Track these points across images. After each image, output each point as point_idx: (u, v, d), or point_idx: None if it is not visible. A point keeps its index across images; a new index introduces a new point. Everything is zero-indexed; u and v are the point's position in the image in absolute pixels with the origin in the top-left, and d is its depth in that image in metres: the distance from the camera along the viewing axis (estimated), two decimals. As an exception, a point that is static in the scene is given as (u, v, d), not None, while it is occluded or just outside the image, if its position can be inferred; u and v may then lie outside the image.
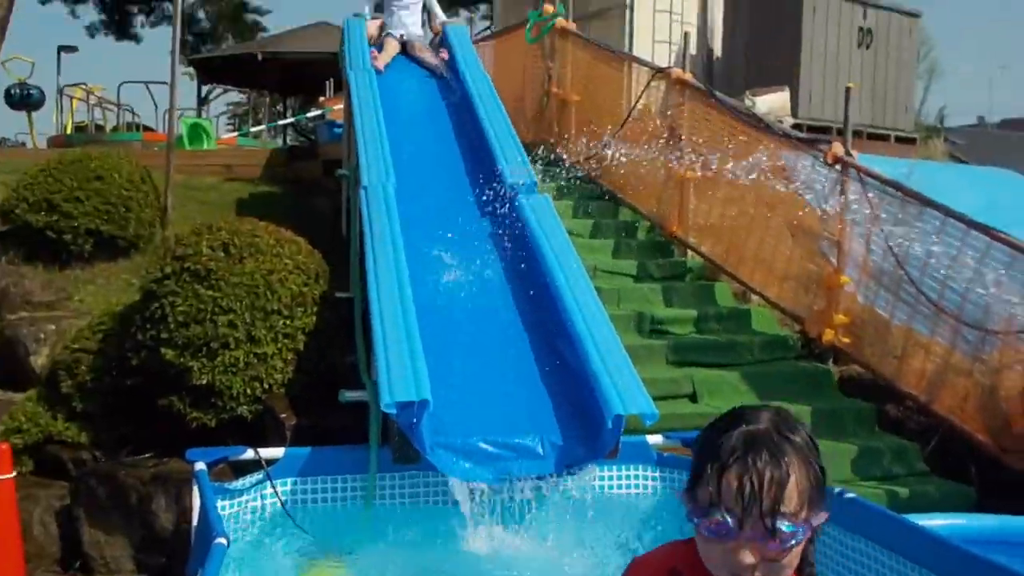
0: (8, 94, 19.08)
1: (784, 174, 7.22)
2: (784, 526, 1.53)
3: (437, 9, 9.20)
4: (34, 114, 19.72)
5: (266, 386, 5.74)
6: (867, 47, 13.37)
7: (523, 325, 5.54)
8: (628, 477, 5.07)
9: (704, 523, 1.57)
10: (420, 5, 8.95)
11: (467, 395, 4.94)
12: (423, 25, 9.04)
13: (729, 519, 1.53)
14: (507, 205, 6.40)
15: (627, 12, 13.56)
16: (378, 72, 8.17)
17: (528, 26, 10.55)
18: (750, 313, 7.51)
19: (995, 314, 5.82)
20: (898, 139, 13.34)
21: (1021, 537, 4.35)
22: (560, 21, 10.19)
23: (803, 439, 1.60)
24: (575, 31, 10.25)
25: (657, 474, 5.07)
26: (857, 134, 10.32)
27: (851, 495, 4.05)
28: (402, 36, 8.70)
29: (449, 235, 6.28)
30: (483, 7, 28.90)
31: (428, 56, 8.58)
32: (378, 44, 8.76)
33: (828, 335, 6.81)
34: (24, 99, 19.10)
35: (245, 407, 5.72)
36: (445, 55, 8.47)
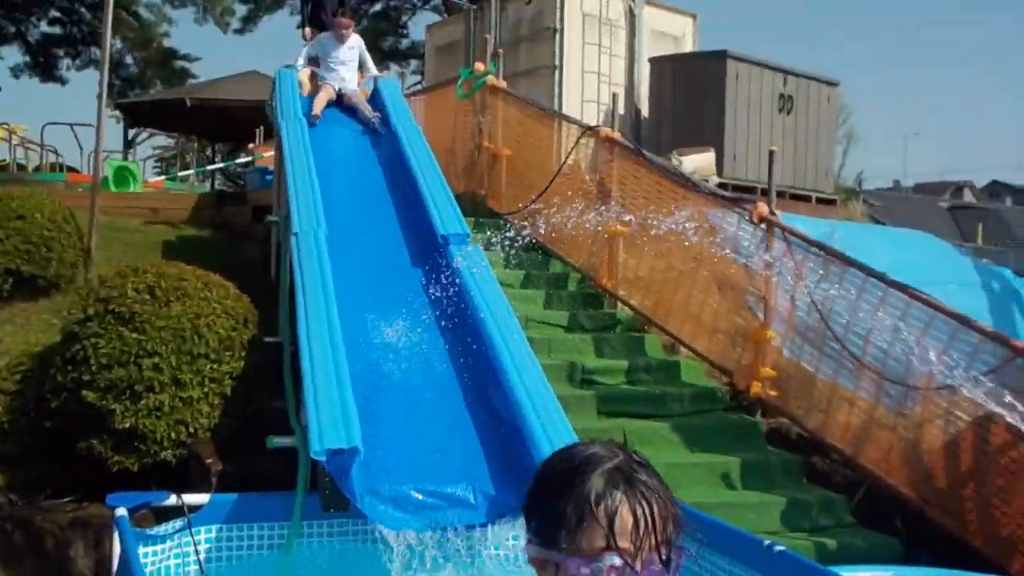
0: (-75, 132, 18.60)
1: (711, 231, 7.37)
2: (674, 554, 1.48)
3: (370, 63, 9.30)
4: (-46, 152, 19.25)
5: (191, 430, 5.61)
6: (788, 112, 13.81)
7: (455, 374, 5.53)
8: (559, 527, 5.03)
9: (599, 570, 1.43)
10: (356, 62, 9.03)
11: (398, 443, 4.89)
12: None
13: (627, 559, 1.43)
14: (439, 255, 6.41)
15: (556, 72, 13.83)
16: (314, 120, 8.19)
17: (459, 82, 10.68)
18: (679, 365, 7.59)
19: (916, 370, 5.97)
20: (819, 200, 13.74)
21: (943, 588, 4.43)
22: (491, 79, 10.33)
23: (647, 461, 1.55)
24: (506, 88, 10.39)
25: (588, 524, 5.04)
26: (780, 194, 10.61)
27: (780, 548, 4.07)
28: (340, 90, 8.74)
29: (381, 284, 6.26)
30: (414, 62, 29.17)
31: (364, 107, 8.62)
32: (312, 93, 8.79)
33: (755, 388, 6.92)
34: (-57, 137, 18.63)
35: (169, 451, 5.58)
36: (378, 116, 8.50)
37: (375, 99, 8.97)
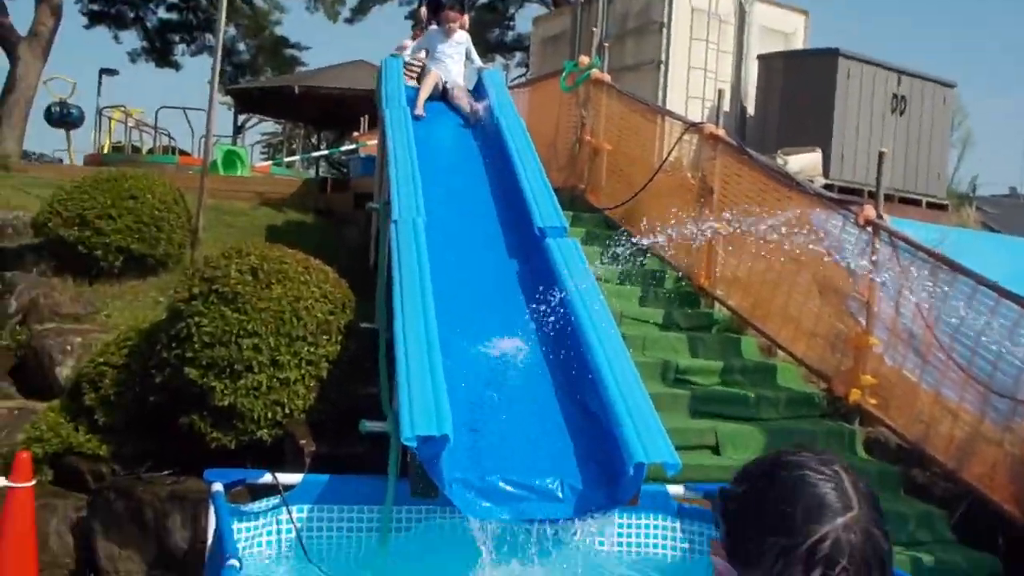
0: (48, 112, 19.39)
1: (814, 233, 7.21)
2: None
3: (475, 56, 9.32)
4: (72, 133, 20.05)
5: (287, 411, 5.72)
6: (900, 113, 13.41)
7: (547, 366, 5.51)
8: (647, 527, 5.00)
9: None
10: (463, 55, 9.07)
11: (488, 433, 4.90)
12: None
13: None
14: (536, 247, 6.41)
15: (662, 67, 13.70)
16: (417, 115, 8.24)
17: (563, 75, 10.65)
18: (776, 368, 7.45)
19: (1026, 384, 5.75)
20: (930, 205, 13.32)
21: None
22: (595, 72, 10.28)
23: (880, 510, 1.37)
24: (610, 82, 10.33)
25: (677, 525, 5.00)
26: (889, 198, 10.29)
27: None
28: (445, 82, 8.80)
29: (477, 274, 6.29)
30: (519, 54, 29.23)
31: (465, 103, 8.59)
32: (418, 78, 8.91)
33: (855, 395, 6.75)
34: (63, 118, 19.42)
35: (265, 431, 5.70)
36: (481, 109, 8.50)
37: (479, 90, 9.02)
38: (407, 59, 9.19)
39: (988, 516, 5.93)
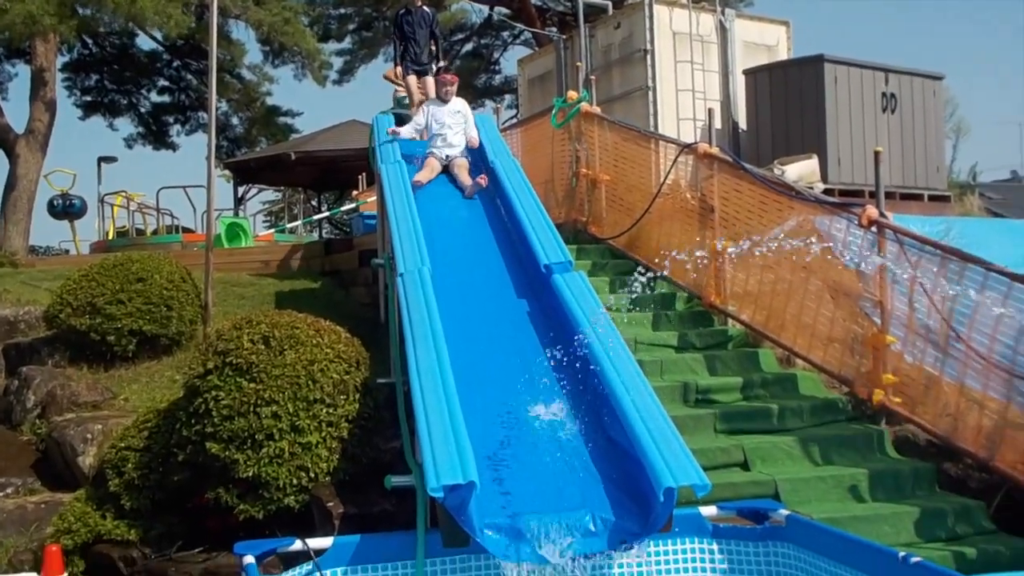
0: (51, 205, 19.62)
1: (819, 239, 7.19)
2: None
3: (473, 131, 8.84)
4: (76, 222, 20.26)
5: (312, 475, 5.71)
6: (892, 111, 13.45)
7: (567, 401, 5.50)
8: (684, 551, 4.95)
9: None
10: (462, 126, 8.71)
11: (514, 474, 4.87)
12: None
13: None
14: (543, 285, 6.42)
15: (650, 93, 13.80)
16: (416, 187, 8.03)
17: (554, 112, 10.73)
18: (796, 377, 7.41)
19: (1048, 366, 5.69)
20: (932, 198, 13.32)
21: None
22: (585, 106, 10.36)
23: None
24: (600, 114, 10.40)
25: (714, 546, 4.95)
26: (890, 195, 10.32)
27: (916, 559, 3.91)
28: (447, 156, 8.53)
29: (487, 317, 6.29)
30: (508, 96, 29.45)
31: (464, 177, 8.32)
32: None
33: (878, 396, 6.69)
34: (66, 209, 19.65)
35: (292, 497, 5.69)
36: (484, 180, 8.17)
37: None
38: (405, 136, 8.76)
39: (1027, 502, 5.85)
